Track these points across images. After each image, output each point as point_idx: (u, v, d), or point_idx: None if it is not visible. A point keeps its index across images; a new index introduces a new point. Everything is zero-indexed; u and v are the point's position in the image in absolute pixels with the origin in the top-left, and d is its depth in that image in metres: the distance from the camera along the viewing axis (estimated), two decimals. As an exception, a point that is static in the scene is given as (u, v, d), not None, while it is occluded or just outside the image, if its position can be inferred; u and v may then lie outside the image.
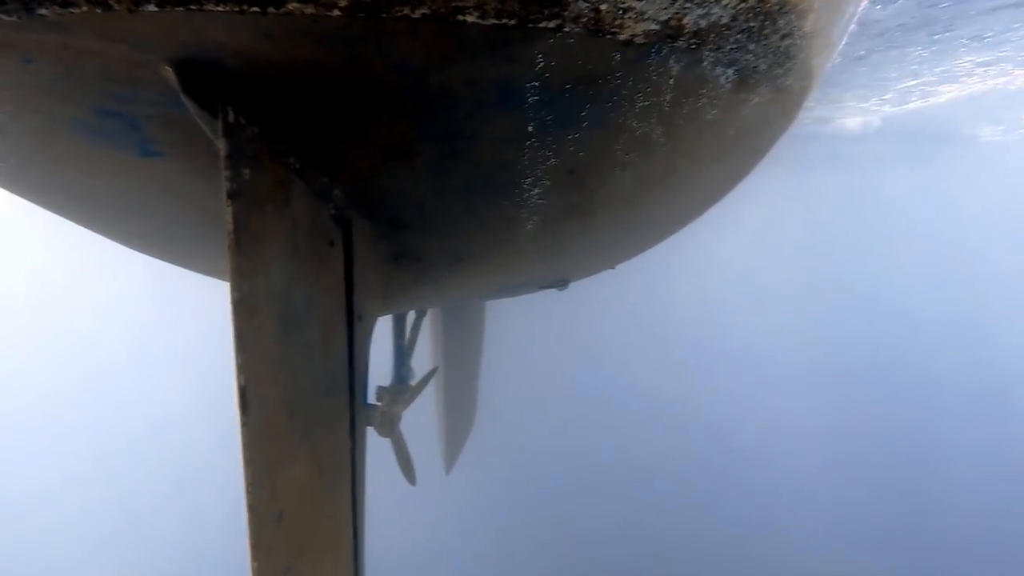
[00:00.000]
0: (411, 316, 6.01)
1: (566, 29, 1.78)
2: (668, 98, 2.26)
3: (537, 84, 1.95)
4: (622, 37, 1.89)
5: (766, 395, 26.17)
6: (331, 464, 2.42)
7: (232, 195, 1.66)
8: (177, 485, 20.87)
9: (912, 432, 22.78)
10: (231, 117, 1.67)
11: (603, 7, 1.77)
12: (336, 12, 1.55)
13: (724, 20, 2.05)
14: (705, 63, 2.19)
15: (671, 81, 2.17)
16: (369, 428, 4.38)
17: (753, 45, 2.26)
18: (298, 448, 2.09)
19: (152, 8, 1.48)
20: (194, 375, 24.48)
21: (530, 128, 2.16)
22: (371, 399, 5.09)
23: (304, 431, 2.14)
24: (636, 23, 1.88)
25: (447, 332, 8.34)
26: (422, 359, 7.05)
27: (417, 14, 1.61)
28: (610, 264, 4.89)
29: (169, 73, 1.61)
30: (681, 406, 24.54)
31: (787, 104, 3.18)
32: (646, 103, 2.23)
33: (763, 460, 21.32)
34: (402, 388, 5.51)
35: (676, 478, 19.72)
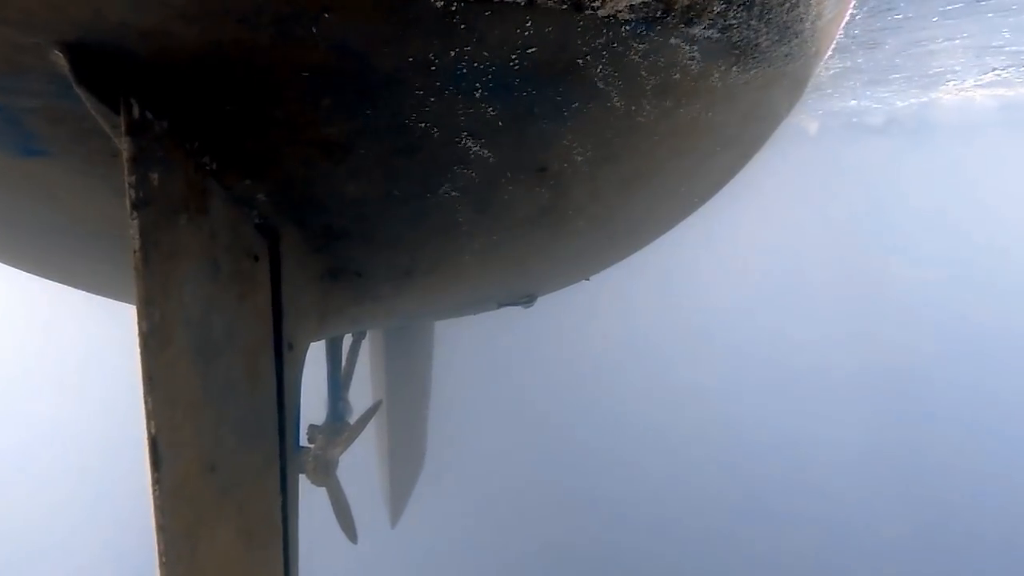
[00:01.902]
0: (347, 340, 5.96)
1: (537, 3, 1.80)
2: (656, 83, 2.29)
3: (503, 68, 1.96)
4: (603, 12, 1.91)
5: (790, 418, 26.52)
6: (260, 525, 2.38)
7: (138, 205, 1.62)
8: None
9: (965, 465, 23.11)
10: (136, 111, 1.63)
11: None
12: None
13: None
14: (700, 42, 2.23)
15: (660, 63, 2.21)
16: (301, 476, 4.32)
17: (755, 20, 2.31)
18: (221, 508, 2.05)
19: None
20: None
21: (494, 119, 2.16)
22: (302, 441, 5.04)
23: (227, 487, 2.10)
24: None
25: (390, 358, 8.28)
26: (361, 391, 7.00)
27: None
28: (584, 275, 4.93)
29: (60, 59, 1.57)
30: (683, 439, 24.53)
31: (791, 86, 3.26)
32: (630, 89, 2.26)
33: (787, 491, 21.74)
34: (338, 427, 5.46)
35: (681, 540, 19.85)
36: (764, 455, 23.43)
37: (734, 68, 2.52)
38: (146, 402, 1.67)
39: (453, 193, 2.54)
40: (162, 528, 1.72)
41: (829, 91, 14.56)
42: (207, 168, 2.02)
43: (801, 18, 2.60)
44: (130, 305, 3.79)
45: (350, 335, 5.91)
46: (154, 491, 1.70)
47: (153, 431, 1.68)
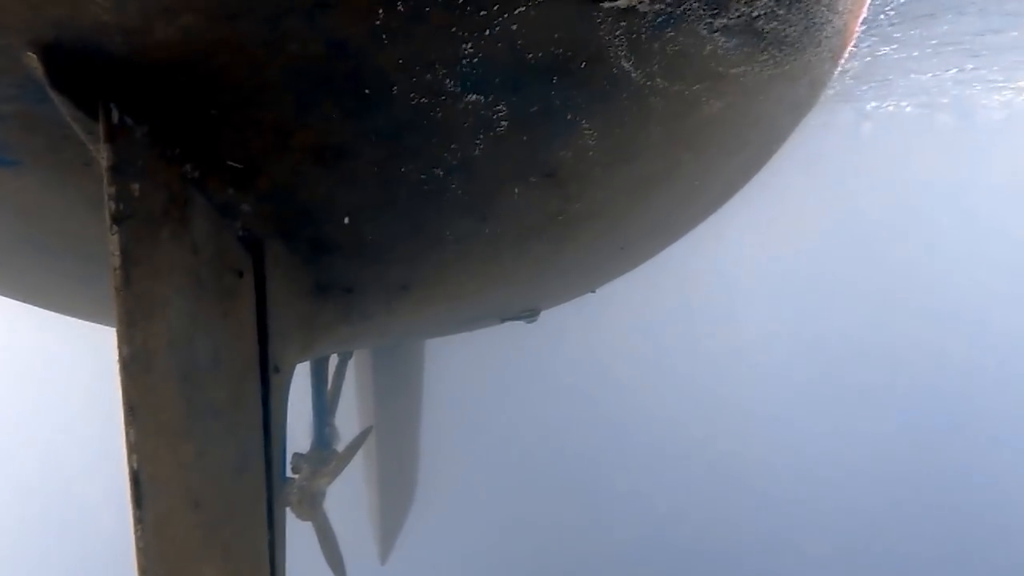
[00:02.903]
0: (333, 360, 5.95)
1: None
2: (677, 78, 2.31)
3: (512, 65, 1.96)
4: (621, 3, 1.92)
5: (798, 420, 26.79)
6: (246, 565, 2.37)
7: (118, 218, 1.62)
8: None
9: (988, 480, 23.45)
10: (115, 117, 1.64)
11: None
12: None
13: None
14: (723, 35, 2.25)
15: (683, 57, 2.22)
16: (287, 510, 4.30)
17: (782, 10, 2.32)
18: (206, 548, 2.04)
19: None
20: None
21: (500, 120, 2.17)
22: (287, 472, 5.01)
23: (212, 524, 2.09)
24: None
25: (378, 378, 8.26)
26: (346, 415, 6.98)
27: None
28: (590, 287, 4.94)
29: (33, 60, 1.57)
30: (703, 458, 24.81)
31: (816, 79, 3.28)
32: (649, 85, 2.27)
33: (797, 504, 22.14)
34: (325, 455, 5.44)
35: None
36: (784, 466, 24.03)
37: (758, 61, 2.53)
38: (127, 433, 1.67)
39: (454, 201, 2.55)
40: (144, 571, 1.71)
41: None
42: (189, 177, 2.02)
43: (827, 8, 2.62)
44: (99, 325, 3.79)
45: (336, 355, 5.91)
46: (136, 530, 1.69)
47: (135, 465, 1.67)
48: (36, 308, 3.75)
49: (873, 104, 16.44)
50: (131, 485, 1.67)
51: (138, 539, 1.69)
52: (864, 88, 14.28)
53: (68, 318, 3.99)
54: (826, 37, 2.85)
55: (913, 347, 30.46)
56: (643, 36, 2.07)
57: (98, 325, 3.92)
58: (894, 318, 33.35)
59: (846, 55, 3.67)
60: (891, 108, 17.00)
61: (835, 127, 18.29)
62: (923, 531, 20.60)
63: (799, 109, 3.59)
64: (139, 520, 1.68)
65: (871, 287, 35.09)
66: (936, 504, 21.85)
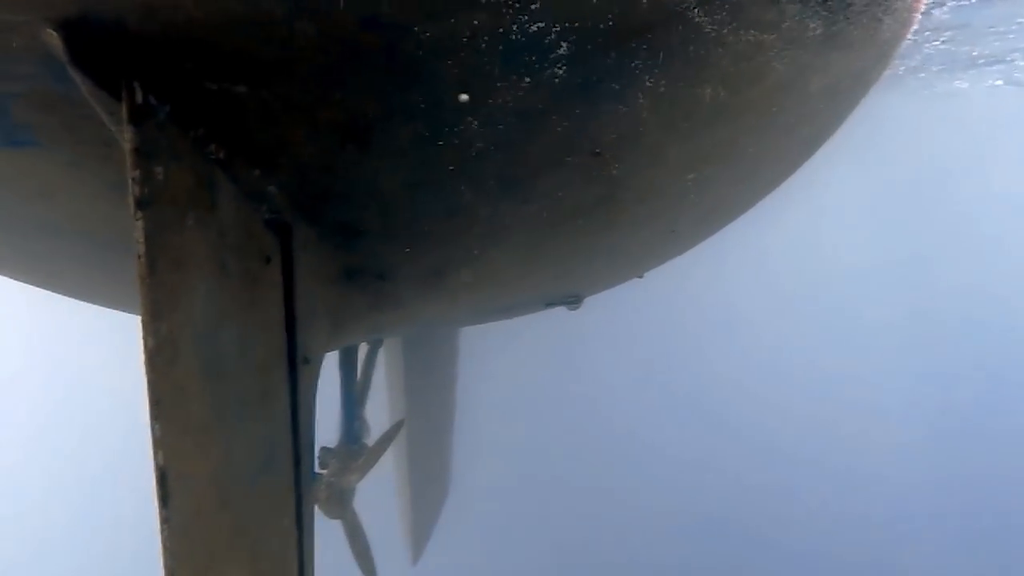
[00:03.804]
0: (363, 349, 6.00)
1: None
2: (736, 49, 2.28)
3: (557, 38, 1.96)
4: None
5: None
6: (274, 566, 2.41)
7: (142, 203, 1.65)
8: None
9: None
10: (139, 97, 1.66)
11: None
12: None
13: None
14: (784, 2, 2.22)
15: (742, 26, 2.20)
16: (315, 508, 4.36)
17: None
18: (234, 549, 2.08)
19: None
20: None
21: (543, 97, 2.17)
22: (315, 467, 5.08)
23: (240, 524, 2.13)
24: None
25: (409, 368, 8.29)
26: (376, 407, 7.03)
27: None
28: (637, 272, 4.92)
29: (53, 38, 1.60)
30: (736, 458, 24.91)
31: (883, 47, 3.23)
32: (706, 57, 2.25)
33: (836, 508, 22.37)
34: (355, 450, 5.49)
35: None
36: (832, 469, 24.21)
37: (823, 30, 2.50)
38: (153, 429, 1.70)
39: (492, 182, 2.55)
40: (172, 572, 1.75)
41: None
42: (214, 158, 2.05)
43: None
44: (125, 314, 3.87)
45: (365, 343, 5.94)
46: (163, 530, 1.73)
47: (161, 462, 1.70)
48: (58, 295, 3.83)
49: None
50: (157, 483, 1.70)
51: (165, 539, 1.72)
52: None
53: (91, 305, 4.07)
54: (891, 7, 2.81)
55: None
56: (701, 4, 2.05)
57: (118, 312, 4.00)
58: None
59: (915, 22, 3.61)
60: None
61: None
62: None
63: (863, 84, 3.54)
64: (166, 520, 1.72)
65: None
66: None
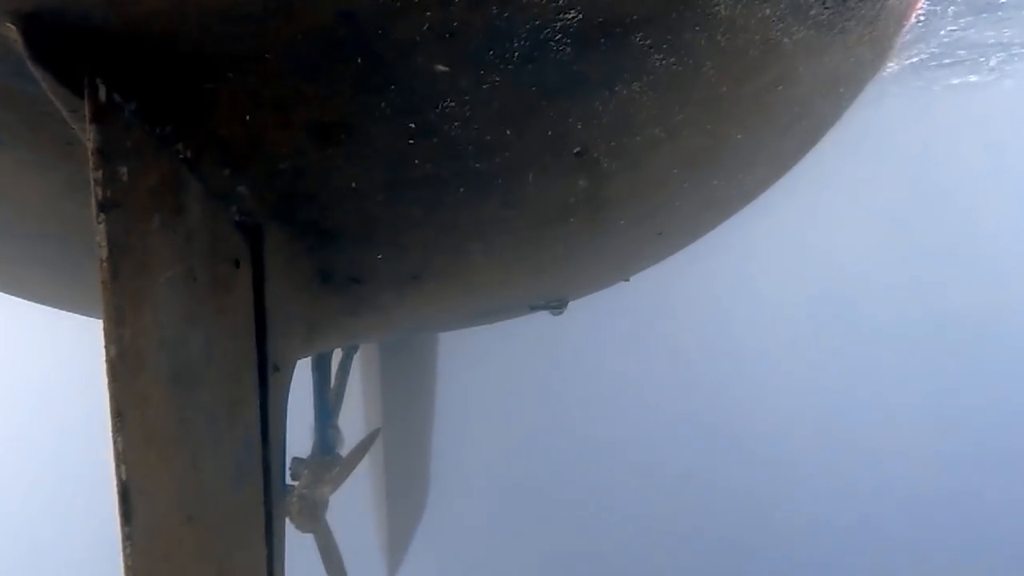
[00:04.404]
0: (337, 355, 5.99)
1: None
2: (727, 43, 2.29)
3: (539, 32, 1.96)
4: None
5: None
6: (242, 583, 2.41)
7: (105, 206, 1.64)
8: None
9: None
10: (102, 94, 1.66)
11: None
12: None
13: None
14: None
15: (734, 19, 2.21)
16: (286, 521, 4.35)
17: None
18: (200, 566, 2.07)
19: None
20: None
21: (525, 93, 2.17)
22: (286, 479, 5.07)
23: (207, 540, 2.12)
24: None
25: (386, 374, 8.29)
26: (351, 415, 7.02)
27: None
28: (623, 275, 4.94)
29: (11, 31, 1.59)
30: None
31: (882, 41, 3.26)
32: (694, 52, 2.26)
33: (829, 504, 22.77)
34: (328, 461, 5.48)
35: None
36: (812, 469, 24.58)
37: (818, 22, 2.51)
38: (115, 441, 1.69)
39: (472, 182, 2.56)
40: (134, 592, 1.75)
41: None
42: (181, 157, 2.04)
43: None
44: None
45: (340, 349, 5.94)
46: (125, 548, 1.72)
47: (124, 476, 1.70)
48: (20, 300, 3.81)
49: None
50: (119, 499, 1.69)
51: (127, 557, 1.72)
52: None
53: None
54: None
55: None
56: None
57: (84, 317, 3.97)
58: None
59: (907, 24, 3.65)
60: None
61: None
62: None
63: (858, 80, 3.57)
64: (128, 537, 1.71)
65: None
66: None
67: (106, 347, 1.69)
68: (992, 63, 14.86)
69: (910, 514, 22.69)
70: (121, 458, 1.70)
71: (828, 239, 37.39)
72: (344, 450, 5.74)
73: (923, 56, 13.17)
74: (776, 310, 33.91)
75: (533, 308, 4.58)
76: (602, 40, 2.09)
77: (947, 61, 13.96)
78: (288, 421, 3.05)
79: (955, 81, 16.08)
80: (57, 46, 1.63)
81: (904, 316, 33.28)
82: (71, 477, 23.97)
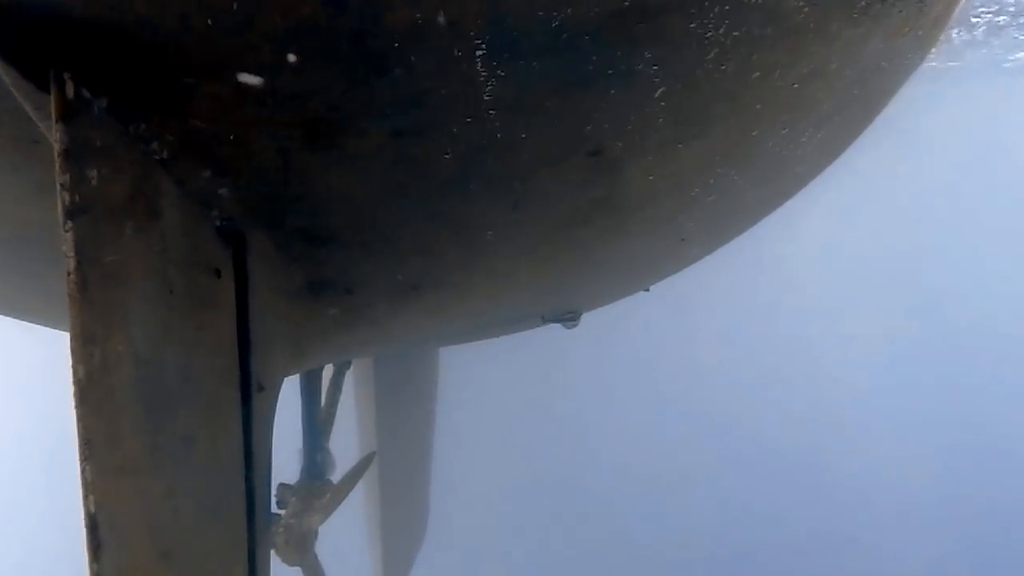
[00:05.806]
0: (328, 372, 5.99)
1: None
2: (758, 34, 2.29)
3: (553, 22, 1.96)
4: None
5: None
6: (223, 625, 2.41)
7: (73, 213, 1.64)
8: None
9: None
10: (70, 91, 1.66)
11: None
12: None
13: None
14: None
15: (766, 8, 2.20)
16: (271, 554, 4.35)
17: None
18: None
19: None
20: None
21: (535, 89, 2.17)
22: (272, 507, 5.06)
23: None
24: None
25: (382, 394, 8.27)
26: (343, 436, 7.02)
27: None
28: (643, 285, 4.94)
29: None
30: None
31: (925, 32, 3.24)
32: (724, 44, 2.25)
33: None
34: (318, 487, 5.47)
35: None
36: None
37: (858, 11, 2.50)
38: (83, 471, 1.69)
39: (478, 184, 2.55)
40: (103, 636, 1.74)
41: None
42: (157, 158, 2.04)
43: None
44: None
45: (331, 365, 5.94)
46: None
47: (92, 509, 1.69)
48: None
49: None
50: (88, 533, 1.69)
51: None
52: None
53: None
54: None
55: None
56: None
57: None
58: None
59: (953, 14, 3.64)
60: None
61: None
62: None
63: (899, 74, 3.55)
64: (97, 574, 1.71)
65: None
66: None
67: (74, 367, 1.69)
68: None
69: (927, 519, 23.50)
70: (90, 488, 1.69)
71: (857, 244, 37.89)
72: (335, 476, 5.74)
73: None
74: (794, 315, 34.36)
75: (545, 320, 4.57)
76: (607, 37, 2.09)
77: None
78: (274, 444, 3.05)
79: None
80: (20, 37, 1.63)
81: (941, 323, 33.66)
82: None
